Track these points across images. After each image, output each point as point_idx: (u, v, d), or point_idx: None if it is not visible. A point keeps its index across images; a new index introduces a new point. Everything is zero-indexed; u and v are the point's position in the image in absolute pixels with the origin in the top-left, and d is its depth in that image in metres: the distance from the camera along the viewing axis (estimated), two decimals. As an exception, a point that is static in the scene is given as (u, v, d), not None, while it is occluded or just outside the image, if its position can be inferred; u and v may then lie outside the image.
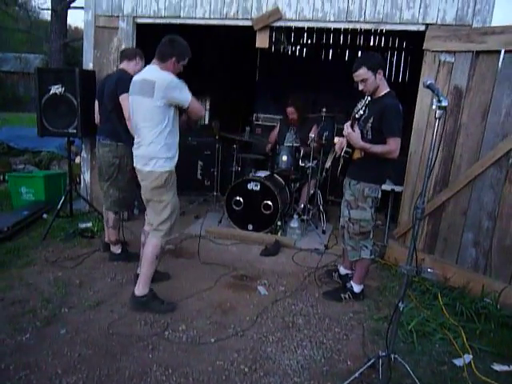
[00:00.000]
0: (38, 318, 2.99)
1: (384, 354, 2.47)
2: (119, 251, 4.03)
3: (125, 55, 3.88)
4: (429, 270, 3.89)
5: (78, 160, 6.24)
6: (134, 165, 3.19)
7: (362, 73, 3.16)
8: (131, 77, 3.76)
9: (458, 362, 2.80)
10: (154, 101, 2.90)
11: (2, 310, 3.07)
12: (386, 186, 4.44)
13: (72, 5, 10.57)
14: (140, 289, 3.17)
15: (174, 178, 3.17)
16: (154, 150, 3.00)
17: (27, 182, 5.47)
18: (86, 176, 5.36)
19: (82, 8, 5.40)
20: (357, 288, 3.52)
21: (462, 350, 2.90)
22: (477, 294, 3.54)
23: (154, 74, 2.96)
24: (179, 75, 3.06)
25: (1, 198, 5.82)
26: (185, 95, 2.97)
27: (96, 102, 4.03)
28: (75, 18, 74.98)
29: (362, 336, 3.03)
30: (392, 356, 2.46)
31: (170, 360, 2.65)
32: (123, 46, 4.82)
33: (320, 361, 2.74)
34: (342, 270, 3.84)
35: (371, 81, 3.16)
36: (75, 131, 4.61)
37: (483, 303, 3.40)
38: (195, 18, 4.79)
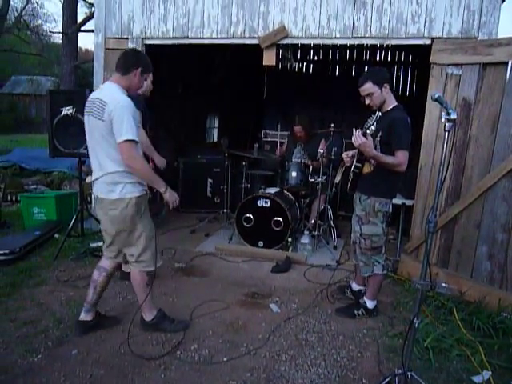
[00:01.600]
0: (50, 339, 2.99)
1: (400, 371, 2.43)
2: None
3: None
4: (443, 284, 3.83)
5: (88, 180, 6.28)
6: (94, 193, 2.88)
7: (368, 87, 3.17)
8: (137, 96, 3.82)
9: (477, 379, 2.73)
10: (106, 124, 2.63)
11: (14, 331, 3.07)
12: (397, 200, 4.41)
13: (82, 28, 10.80)
14: (147, 314, 3.09)
15: (146, 203, 2.90)
16: (117, 174, 2.72)
17: (39, 202, 5.51)
18: (97, 195, 5.39)
19: (92, 31, 5.52)
20: (370, 304, 3.47)
21: (481, 367, 2.83)
22: (493, 308, 3.47)
23: (109, 95, 2.70)
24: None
25: (13, 218, 5.87)
26: (125, 131, 2.60)
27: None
28: (86, 41, 76.42)
29: (376, 353, 2.98)
30: (408, 374, 2.41)
31: (183, 380, 2.62)
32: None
33: (334, 379, 2.69)
34: (355, 286, 3.80)
35: (377, 95, 3.17)
36: (86, 151, 4.64)
37: (500, 318, 3.33)
38: (203, 38, 4.86)
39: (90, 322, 3.06)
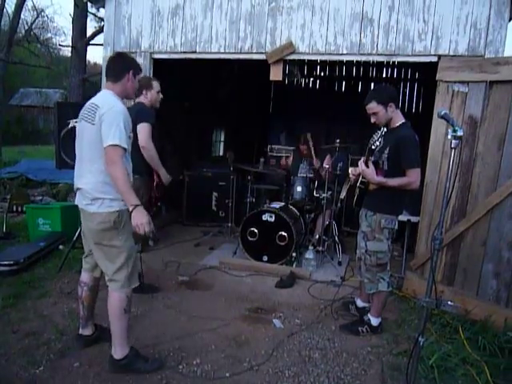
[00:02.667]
0: (52, 351, 2.97)
1: (404, 390, 2.39)
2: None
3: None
4: (449, 302, 3.78)
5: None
6: (76, 201, 2.78)
7: (373, 106, 3.19)
8: (150, 108, 3.84)
9: (483, 399, 2.70)
10: (96, 128, 2.53)
11: (16, 342, 3.06)
12: (402, 217, 4.39)
13: (91, 41, 10.93)
14: (117, 352, 2.72)
15: (126, 219, 2.62)
16: (97, 188, 2.59)
17: (44, 214, 5.53)
18: (102, 207, 5.40)
19: (100, 45, 5.58)
20: (375, 321, 3.44)
21: (486, 387, 2.79)
22: (499, 327, 3.43)
23: (102, 99, 2.63)
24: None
25: (18, 229, 5.89)
26: (112, 135, 2.47)
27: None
28: (94, 54, 77.39)
29: (381, 371, 2.94)
30: (413, 393, 2.37)
31: (184, 395, 2.59)
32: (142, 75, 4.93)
33: (338, 397, 2.66)
34: (359, 303, 3.77)
35: (382, 114, 3.18)
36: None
37: (506, 337, 3.29)
38: (211, 53, 4.91)
39: (91, 335, 3.02)
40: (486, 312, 3.57)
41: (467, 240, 3.85)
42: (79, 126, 2.71)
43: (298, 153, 5.64)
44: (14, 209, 6.86)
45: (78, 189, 2.75)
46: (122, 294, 2.69)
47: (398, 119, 3.23)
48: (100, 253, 2.71)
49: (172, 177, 4.00)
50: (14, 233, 5.70)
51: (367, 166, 3.13)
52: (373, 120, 3.26)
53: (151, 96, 3.92)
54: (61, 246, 5.09)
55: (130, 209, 2.51)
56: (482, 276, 3.74)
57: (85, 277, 2.96)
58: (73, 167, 4.72)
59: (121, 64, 2.73)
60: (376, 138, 3.11)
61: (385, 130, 3.13)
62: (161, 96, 4.02)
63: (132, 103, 3.99)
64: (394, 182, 3.10)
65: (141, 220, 2.51)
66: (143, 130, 3.66)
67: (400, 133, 3.16)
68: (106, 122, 2.50)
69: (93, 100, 2.67)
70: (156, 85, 3.98)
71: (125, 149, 2.55)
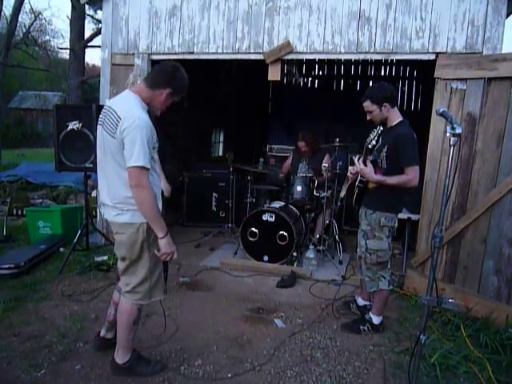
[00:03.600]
0: (54, 353, 2.97)
1: (406, 388, 2.39)
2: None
3: None
4: (450, 300, 3.79)
5: (94, 193, 6.32)
6: (103, 215, 2.64)
7: (367, 105, 3.21)
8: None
9: (485, 396, 2.70)
10: (117, 142, 2.35)
11: (17, 346, 3.05)
12: (403, 215, 4.39)
13: (89, 44, 10.94)
14: (120, 356, 2.69)
15: (155, 234, 2.47)
16: (129, 199, 2.41)
17: (44, 216, 5.53)
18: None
19: (99, 47, 5.58)
20: (376, 319, 3.44)
21: (489, 384, 2.79)
22: (501, 324, 3.43)
23: (126, 108, 2.37)
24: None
25: (19, 232, 5.89)
26: (136, 155, 2.28)
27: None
28: (92, 56, 77.37)
29: (383, 370, 2.94)
30: (415, 391, 2.38)
31: (186, 396, 2.59)
32: (138, 82, 4.92)
33: (340, 396, 2.66)
34: (360, 301, 3.77)
35: (376, 113, 3.19)
36: (92, 166, 4.67)
37: (508, 334, 3.28)
38: (208, 53, 4.90)
39: (111, 340, 2.91)
40: (487, 309, 3.57)
41: (467, 237, 3.85)
42: (100, 132, 2.50)
43: (297, 151, 5.64)
44: (14, 212, 6.86)
45: (103, 203, 2.59)
46: (134, 307, 2.61)
47: (396, 118, 3.23)
48: (124, 265, 2.58)
49: (172, 185, 3.97)
50: (15, 236, 5.70)
51: (365, 165, 3.13)
52: (368, 117, 3.28)
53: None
54: (61, 249, 5.10)
55: (160, 235, 2.41)
56: (482, 273, 3.74)
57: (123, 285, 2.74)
58: (72, 170, 4.80)
59: (164, 76, 2.49)
60: (372, 137, 3.11)
61: (381, 128, 3.13)
62: None
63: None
64: (392, 180, 3.10)
65: (170, 249, 2.46)
66: None
67: (398, 131, 3.16)
68: (128, 139, 2.29)
69: (115, 106, 2.42)
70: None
71: (148, 168, 2.34)
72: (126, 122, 2.30)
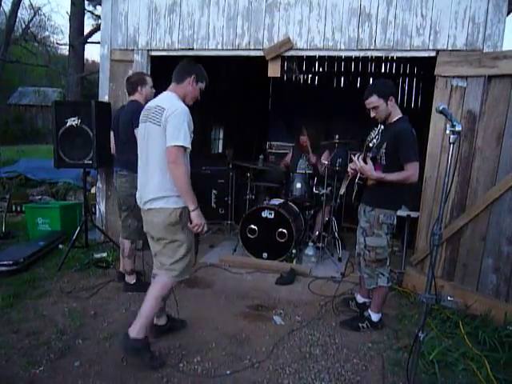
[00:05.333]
0: (52, 350, 2.97)
1: (405, 386, 2.40)
2: (134, 281, 4.02)
3: (129, 86, 3.95)
4: (449, 297, 3.79)
5: (93, 190, 6.32)
6: (139, 201, 2.90)
7: (373, 100, 3.17)
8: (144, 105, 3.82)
9: (483, 394, 2.70)
10: (162, 129, 2.66)
11: (16, 342, 3.06)
12: (402, 212, 4.39)
13: (89, 40, 10.90)
14: (136, 330, 2.77)
15: (187, 216, 2.78)
16: (166, 185, 2.72)
17: (43, 213, 5.53)
18: (102, 206, 5.41)
19: (98, 43, 5.57)
20: (375, 317, 3.44)
21: (487, 381, 2.78)
22: (499, 321, 3.44)
23: (168, 101, 2.73)
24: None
25: (18, 228, 5.89)
26: (176, 136, 2.61)
27: (111, 133, 4.10)
28: (92, 52, 77.22)
29: (381, 367, 2.94)
30: (413, 388, 2.38)
31: (185, 393, 2.59)
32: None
33: (339, 393, 2.66)
34: (359, 299, 3.77)
35: (383, 108, 3.17)
36: (91, 162, 4.67)
37: (507, 331, 3.29)
38: (208, 50, 4.89)
39: (165, 326, 3.18)
40: (485, 306, 3.57)
41: (467, 235, 3.85)
42: (144, 128, 2.80)
43: (298, 146, 5.62)
44: (14, 208, 6.87)
45: (145, 189, 2.82)
46: (169, 282, 2.88)
47: (396, 114, 3.22)
48: (160, 247, 2.85)
49: None
50: (14, 232, 5.71)
51: (365, 163, 3.12)
52: (372, 114, 3.25)
53: (146, 92, 3.90)
54: (60, 245, 5.10)
55: (192, 208, 2.70)
56: (481, 271, 3.74)
57: (157, 271, 2.95)
58: (71, 166, 4.80)
59: (185, 68, 2.86)
60: (373, 136, 3.11)
61: (382, 127, 3.12)
62: (153, 91, 4.00)
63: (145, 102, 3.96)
64: (392, 176, 3.09)
65: (200, 221, 2.74)
66: None
67: (397, 127, 3.15)
68: (171, 123, 2.61)
69: (157, 102, 2.76)
70: (149, 80, 3.97)
71: (185, 149, 2.68)
72: (170, 110, 2.64)
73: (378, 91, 3.17)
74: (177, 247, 2.81)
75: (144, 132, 2.81)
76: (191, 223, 2.75)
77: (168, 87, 2.88)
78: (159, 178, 2.73)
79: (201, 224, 2.75)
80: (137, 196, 2.96)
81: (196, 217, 2.72)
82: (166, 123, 2.63)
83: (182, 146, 2.62)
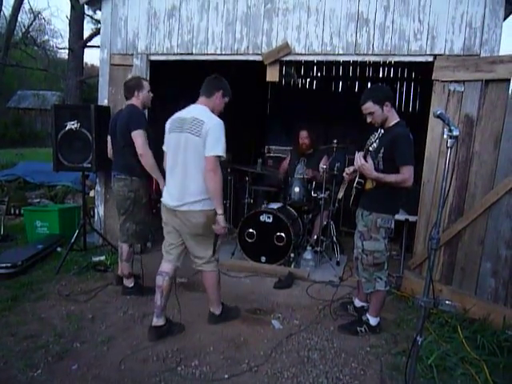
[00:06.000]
0: (50, 354, 2.97)
1: (403, 390, 2.39)
2: (132, 285, 4.02)
3: (126, 91, 3.95)
4: (447, 301, 3.79)
5: (92, 193, 6.32)
6: (171, 203, 3.12)
7: (369, 106, 3.20)
8: (142, 111, 3.84)
9: (481, 398, 2.70)
10: (202, 140, 2.95)
11: (14, 345, 3.05)
12: (400, 216, 4.40)
13: (88, 44, 10.94)
14: (217, 310, 3.47)
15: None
16: (203, 190, 3.05)
17: (42, 216, 5.52)
18: (100, 209, 5.41)
19: (97, 47, 5.58)
20: (373, 321, 3.44)
21: (485, 386, 2.79)
22: (498, 326, 3.44)
23: (204, 115, 3.04)
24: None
25: (16, 231, 5.88)
26: (217, 147, 2.96)
27: (108, 137, 4.09)
28: (91, 56, 77.42)
29: (379, 371, 2.94)
30: (411, 392, 2.38)
31: (183, 397, 2.59)
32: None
33: (337, 397, 2.66)
34: (357, 303, 3.77)
35: (378, 113, 3.19)
36: (90, 166, 4.68)
37: (505, 335, 3.29)
38: (207, 54, 4.91)
39: (163, 326, 3.27)
40: (484, 311, 3.57)
41: (465, 239, 3.86)
42: (179, 137, 3.06)
43: (296, 147, 5.60)
44: (12, 211, 6.86)
45: (182, 193, 3.08)
46: (214, 272, 3.33)
47: (393, 118, 3.24)
48: (197, 242, 3.21)
49: None
50: (12, 235, 5.70)
51: (366, 161, 3.13)
52: (369, 120, 3.27)
53: (143, 96, 3.91)
54: (59, 249, 5.09)
55: (220, 212, 3.07)
56: (480, 274, 3.75)
57: (167, 267, 3.29)
58: (70, 169, 4.80)
59: (214, 83, 3.18)
60: (373, 140, 3.12)
61: (382, 132, 3.13)
62: (151, 95, 4.01)
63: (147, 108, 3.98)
64: (390, 177, 3.10)
65: (224, 224, 3.11)
66: (139, 137, 3.66)
67: (394, 131, 3.16)
68: (212, 135, 2.95)
69: (193, 114, 3.05)
70: (146, 84, 3.98)
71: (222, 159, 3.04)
72: (210, 123, 2.97)
73: (373, 97, 3.19)
74: (210, 242, 3.21)
75: (180, 141, 3.06)
76: (217, 225, 3.09)
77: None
78: (199, 183, 3.04)
79: (225, 227, 3.13)
80: (166, 198, 3.20)
81: (222, 220, 3.08)
82: (207, 135, 2.94)
83: (219, 156, 2.97)
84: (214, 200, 3.04)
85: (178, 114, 3.18)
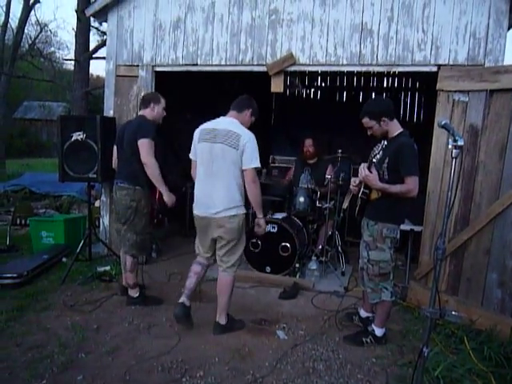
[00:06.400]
0: (55, 364, 2.96)
1: (409, 401, 2.37)
2: (137, 295, 4.01)
3: (142, 102, 4.00)
4: (453, 312, 3.76)
5: (97, 204, 6.34)
6: (204, 210, 3.39)
7: (366, 122, 3.24)
8: (152, 122, 3.86)
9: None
10: (239, 152, 3.21)
11: (19, 355, 3.05)
12: (405, 226, 4.38)
13: (94, 55, 11.02)
14: (223, 319, 3.50)
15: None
16: (238, 197, 3.33)
17: (47, 226, 5.55)
18: (105, 220, 5.43)
19: (103, 58, 5.63)
20: (379, 332, 3.41)
21: (493, 398, 2.76)
22: (505, 337, 3.40)
23: (239, 128, 3.28)
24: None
25: (22, 241, 5.90)
26: (255, 159, 3.24)
27: (114, 147, 4.11)
28: (97, 67, 78.11)
29: (385, 383, 2.92)
30: (418, 404, 2.35)
31: (188, 408, 2.58)
32: (142, 94, 4.95)
33: (342, 409, 2.63)
34: (363, 313, 3.75)
35: (376, 128, 3.22)
36: (95, 176, 4.71)
37: (512, 347, 3.26)
38: (212, 65, 4.95)
39: (189, 307, 3.51)
40: (491, 322, 3.54)
41: (471, 249, 3.84)
42: (213, 147, 3.29)
43: (301, 156, 5.62)
44: (18, 221, 6.89)
45: (217, 199, 3.33)
46: (233, 278, 3.50)
47: (395, 129, 3.24)
48: (231, 247, 3.43)
49: (175, 195, 3.97)
50: (18, 245, 5.72)
51: (370, 172, 3.13)
52: (369, 133, 3.30)
53: (158, 110, 3.93)
54: (64, 259, 5.10)
55: (260, 217, 3.47)
56: (486, 285, 3.72)
57: (203, 260, 3.64)
58: (75, 180, 4.83)
59: (246, 102, 3.47)
60: (377, 151, 3.12)
61: (385, 143, 3.14)
62: (164, 113, 4.04)
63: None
64: (395, 188, 3.10)
65: (264, 226, 3.55)
66: (144, 146, 3.67)
67: (398, 142, 3.16)
68: (249, 149, 3.22)
69: (227, 127, 3.29)
70: (163, 101, 4.01)
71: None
72: (246, 137, 3.24)
73: (369, 113, 3.21)
74: (239, 247, 3.48)
75: (212, 151, 3.29)
76: (258, 227, 3.52)
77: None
78: (234, 189, 3.31)
79: (264, 229, 3.58)
80: (198, 205, 3.46)
81: (264, 223, 3.50)
82: (244, 148, 3.21)
83: (257, 168, 3.27)
84: (255, 206, 3.39)
85: (206, 125, 3.41)
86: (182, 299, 3.46)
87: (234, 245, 3.43)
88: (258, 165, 3.27)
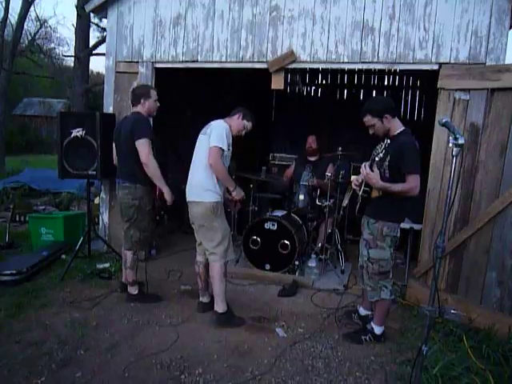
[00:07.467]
0: (54, 361, 2.96)
1: (408, 400, 2.37)
2: (136, 292, 4.01)
3: (133, 98, 3.94)
4: (452, 310, 3.77)
5: (97, 200, 6.33)
6: (188, 197, 3.61)
7: (368, 120, 3.22)
8: (147, 119, 3.85)
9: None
10: (207, 137, 3.46)
11: (18, 352, 3.05)
12: (405, 225, 4.38)
13: (94, 51, 11.02)
14: (220, 306, 3.58)
15: (221, 208, 3.59)
16: (204, 183, 3.50)
17: (47, 223, 5.54)
18: (105, 217, 5.42)
19: (103, 54, 5.62)
20: (378, 329, 3.42)
21: (491, 396, 2.76)
22: (504, 335, 3.41)
23: (216, 122, 3.55)
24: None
25: (21, 238, 5.90)
26: (216, 140, 3.39)
27: (114, 145, 4.10)
28: (97, 64, 77.95)
29: (384, 381, 2.92)
30: (417, 402, 2.35)
31: (187, 405, 2.58)
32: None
33: (341, 407, 2.64)
34: (362, 311, 3.75)
35: (378, 126, 3.20)
36: (95, 173, 4.70)
37: (511, 346, 3.26)
38: (212, 62, 4.93)
39: (209, 303, 3.80)
40: (489, 320, 3.55)
41: (470, 248, 3.84)
42: (198, 140, 3.64)
43: (303, 152, 5.63)
44: (17, 218, 6.88)
45: (190, 185, 3.63)
46: (220, 263, 3.57)
47: (397, 127, 3.23)
48: (202, 233, 3.61)
49: (175, 193, 3.97)
50: (17, 242, 5.71)
51: (372, 171, 3.13)
52: (371, 132, 3.28)
53: (149, 104, 3.90)
54: (63, 256, 5.10)
55: (232, 189, 3.59)
56: (485, 284, 3.72)
57: (199, 258, 3.82)
58: (75, 177, 4.82)
59: (239, 108, 3.77)
60: (380, 150, 3.12)
61: (388, 141, 3.13)
62: (157, 104, 4.01)
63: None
64: (397, 187, 3.09)
65: (240, 194, 3.67)
66: (143, 146, 3.65)
67: (400, 140, 3.16)
68: (214, 132, 3.44)
69: (210, 123, 3.61)
70: (154, 93, 3.96)
71: (224, 151, 3.46)
72: (215, 124, 3.54)
73: (371, 111, 3.19)
74: (214, 233, 3.54)
75: (197, 143, 3.66)
76: (235, 196, 3.63)
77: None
78: (203, 177, 3.51)
79: (241, 196, 3.70)
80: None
81: (236, 193, 3.62)
82: (211, 132, 3.44)
83: (219, 148, 3.39)
84: (224, 183, 3.55)
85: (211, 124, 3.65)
86: (200, 298, 3.85)
87: (206, 231, 3.56)
88: (220, 144, 3.39)
